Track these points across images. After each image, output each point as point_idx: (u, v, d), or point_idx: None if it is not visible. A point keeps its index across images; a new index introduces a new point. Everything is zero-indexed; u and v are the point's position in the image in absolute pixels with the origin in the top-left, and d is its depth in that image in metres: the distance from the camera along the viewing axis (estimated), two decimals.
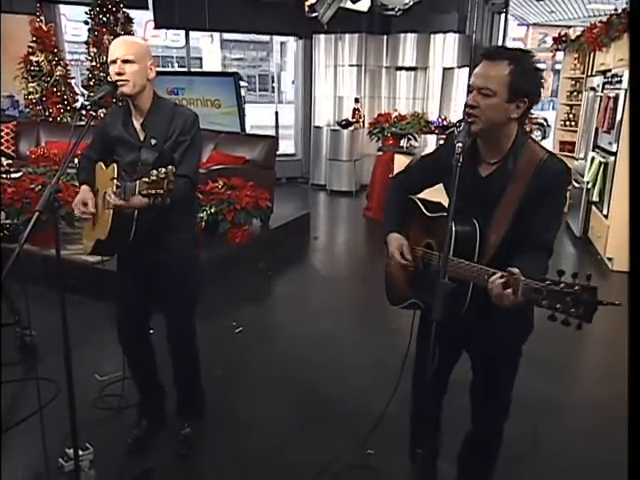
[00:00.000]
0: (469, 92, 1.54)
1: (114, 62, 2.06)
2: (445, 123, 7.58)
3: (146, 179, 1.85)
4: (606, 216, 5.29)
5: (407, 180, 1.89)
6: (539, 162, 1.52)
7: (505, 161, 1.56)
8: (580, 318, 1.18)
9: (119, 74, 2.05)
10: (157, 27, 8.34)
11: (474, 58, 8.23)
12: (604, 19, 6.14)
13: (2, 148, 6.62)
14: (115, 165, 2.12)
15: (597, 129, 5.88)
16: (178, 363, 2.49)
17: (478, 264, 1.46)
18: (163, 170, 1.84)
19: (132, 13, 7.35)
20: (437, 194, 1.82)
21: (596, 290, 1.18)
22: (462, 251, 1.53)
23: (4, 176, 4.98)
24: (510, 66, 1.46)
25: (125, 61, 2.05)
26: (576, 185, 6.41)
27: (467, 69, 8.11)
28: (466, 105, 1.53)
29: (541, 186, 1.50)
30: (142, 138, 2.17)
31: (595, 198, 5.56)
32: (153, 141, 2.14)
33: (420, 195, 1.89)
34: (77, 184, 2.27)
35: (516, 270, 1.30)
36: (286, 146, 9.83)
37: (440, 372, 1.75)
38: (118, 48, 2.07)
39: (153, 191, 1.83)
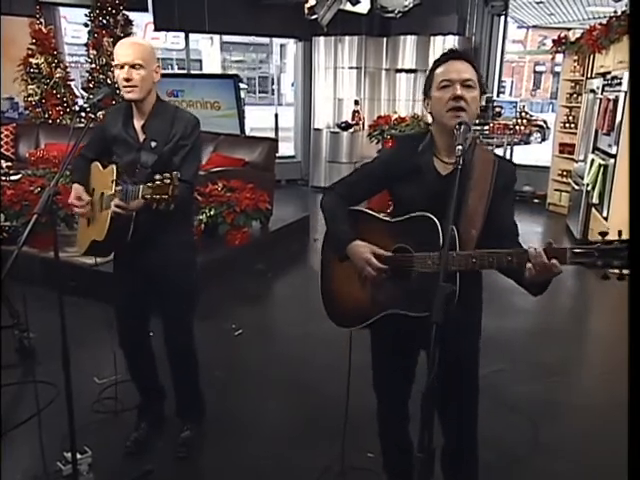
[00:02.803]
0: (444, 87, 1.57)
1: (121, 67, 2.03)
2: None
3: (150, 184, 1.83)
4: (606, 218, 5.28)
5: (347, 192, 1.82)
6: (494, 160, 1.65)
7: (463, 159, 1.55)
8: None
9: (127, 80, 2.03)
10: (157, 29, 8.34)
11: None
12: (603, 21, 6.15)
13: (1, 150, 6.62)
14: (114, 166, 2.11)
15: (597, 131, 5.88)
16: (176, 366, 2.48)
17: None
18: (168, 175, 1.82)
19: (132, 15, 7.35)
20: None
21: None
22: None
23: (3, 178, 4.98)
24: (472, 65, 1.62)
25: (133, 66, 2.02)
26: (576, 187, 6.41)
27: None
28: (455, 98, 1.55)
29: (504, 181, 1.64)
30: (142, 139, 2.16)
31: (595, 200, 5.56)
32: (153, 144, 2.12)
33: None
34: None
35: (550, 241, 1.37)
36: (286, 148, 9.83)
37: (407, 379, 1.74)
38: (126, 52, 2.03)
39: (158, 196, 1.82)
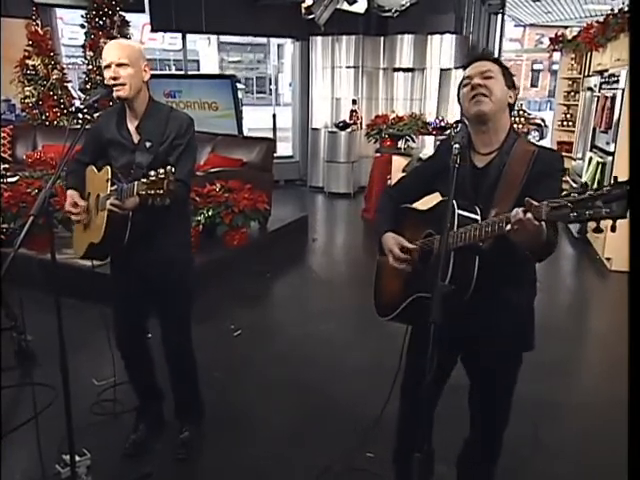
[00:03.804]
0: (465, 85, 1.66)
1: (108, 67, 2.06)
2: (443, 124, 7.57)
3: (144, 180, 1.84)
4: None
5: (401, 193, 1.93)
6: (534, 151, 1.64)
7: (501, 151, 1.67)
8: (614, 216, 1.15)
9: (114, 78, 2.05)
10: (154, 30, 8.33)
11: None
12: (600, 19, 6.15)
13: None
14: (109, 167, 2.11)
15: (594, 129, 5.89)
16: (174, 367, 2.48)
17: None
18: (162, 170, 1.82)
19: (129, 16, 7.32)
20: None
21: (625, 184, 1.13)
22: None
23: (1, 180, 4.96)
24: (498, 65, 1.69)
25: (119, 65, 2.04)
26: (574, 185, 6.41)
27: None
28: (474, 87, 1.62)
29: (541, 169, 1.60)
30: (136, 141, 2.16)
31: None
32: (148, 144, 2.12)
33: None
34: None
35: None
36: (284, 148, 9.82)
37: (436, 380, 1.74)
38: (111, 52, 2.06)
39: (152, 191, 1.82)
